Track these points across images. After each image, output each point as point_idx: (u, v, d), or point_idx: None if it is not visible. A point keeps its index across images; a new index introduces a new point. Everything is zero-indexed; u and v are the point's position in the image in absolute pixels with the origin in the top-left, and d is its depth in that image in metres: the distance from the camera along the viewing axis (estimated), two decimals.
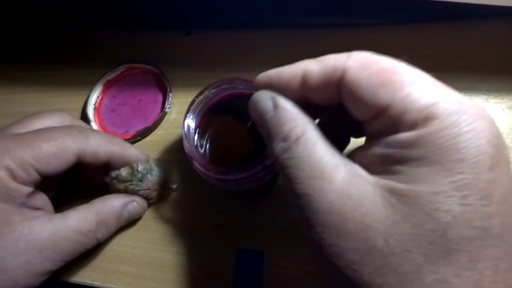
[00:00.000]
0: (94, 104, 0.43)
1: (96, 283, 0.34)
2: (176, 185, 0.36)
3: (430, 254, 0.17)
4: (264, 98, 0.23)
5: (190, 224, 0.35)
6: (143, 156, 0.35)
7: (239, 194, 0.35)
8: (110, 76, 0.44)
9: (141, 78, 0.44)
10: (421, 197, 0.17)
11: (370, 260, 0.17)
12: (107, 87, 0.44)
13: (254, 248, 0.33)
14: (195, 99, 0.34)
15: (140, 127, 0.41)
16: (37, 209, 0.31)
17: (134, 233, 0.35)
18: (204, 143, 0.35)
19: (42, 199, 0.32)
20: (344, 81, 0.20)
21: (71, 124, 0.36)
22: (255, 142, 0.34)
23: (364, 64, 0.20)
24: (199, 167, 0.32)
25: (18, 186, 0.29)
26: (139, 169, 0.34)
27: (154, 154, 0.39)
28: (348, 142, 0.28)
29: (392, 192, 0.18)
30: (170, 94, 0.41)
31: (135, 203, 0.34)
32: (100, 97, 0.43)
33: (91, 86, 0.43)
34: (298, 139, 0.20)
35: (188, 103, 0.34)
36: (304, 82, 0.22)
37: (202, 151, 0.34)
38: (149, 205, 0.36)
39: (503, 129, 0.35)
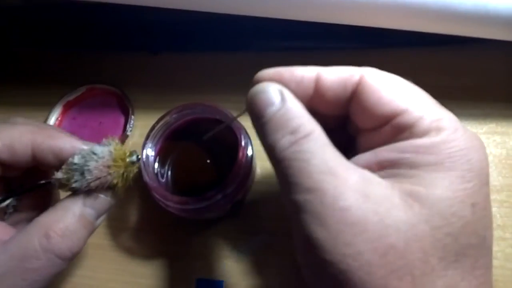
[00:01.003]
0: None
1: None
2: (137, 155, 0.29)
3: (444, 257, 0.17)
4: (271, 90, 0.21)
5: (150, 253, 0.34)
6: (81, 144, 0.28)
7: (200, 222, 0.35)
8: (70, 97, 0.42)
9: (102, 100, 0.43)
10: (439, 201, 0.18)
11: (388, 261, 0.17)
12: (66, 108, 0.42)
13: (215, 278, 0.32)
14: (155, 125, 0.33)
15: None
16: None
17: (91, 263, 0.34)
18: (166, 170, 0.34)
19: None
20: (362, 84, 0.21)
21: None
22: (217, 169, 0.33)
23: (379, 72, 0.21)
24: (157, 196, 0.31)
25: None
26: (75, 160, 0.26)
27: None
28: None
29: (411, 194, 0.18)
30: (132, 117, 0.41)
31: (96, 196, 0.27)
32: (59, 118, 0.42)
33: (50, 108, 0.42)
34: (308, 135, 0.19)
35: (150, 127, 0.33)
36: (319, 81, 0.21)
37: (163, 178, 0.33)
38: (119, 193, 0.28)
39: None
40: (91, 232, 0.27)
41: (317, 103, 0.22)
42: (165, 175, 0.34)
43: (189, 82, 0.43)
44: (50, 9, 0.45)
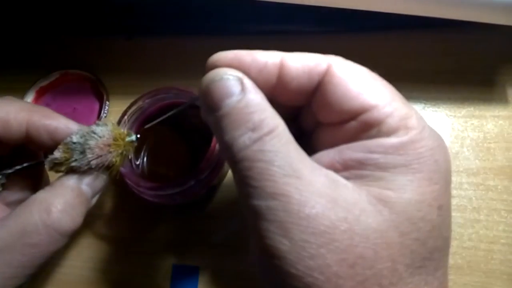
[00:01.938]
0: None
1: None
2: (135, 135, 0.28)
3: (411, 263, 0.17)
4: (229, 78, 0.18)
5: (125, 240, 0.33)
6: (75, 125, 0.28)
7: (174, 209, 0.34)
8: (44, 82, 0.41)
9: (76, 85, 0.42)
10: (408, 205, 0.17)
11: (357, 272, 0.16)
12: (40, 94, 0.41)
13: (190, 264, 0.32)
14: (127, 110, 0.33)
15: None
16: None
17: (65, 251, 0.34)
18: (142, 156, 0.34)
19: None
20: (329, 75, 0.19)
21: None
22: (193, 155, 0.33)
23: (347, 63, 0.19)
24: (130, 183, 0.30)
25: None
26: (74, 140, 0.26)
27: None
28: None
29: (379, 199, 0.17)
30: (107, 103, 0.40)
31: (95, 175, 0.27)
32: None
33: (22, 94, 0.41)
34: (271, 131, 0.17)
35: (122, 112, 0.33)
36: (283, 69, 0.19)
37: (139, 164, 0.33)
38: (114, 172, 0.28)
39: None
40: (87, 210, 0.27)
41: (278, 93, 0.20)
42: (140, 161, 0.33)
43: (165, 67, 0.42)
44: None
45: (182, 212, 0.34)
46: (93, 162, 0.26)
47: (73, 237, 0.33)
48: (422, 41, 0.40)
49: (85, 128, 0.27)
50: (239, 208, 0.34)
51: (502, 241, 0.32)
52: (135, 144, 0.29)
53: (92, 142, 0.26)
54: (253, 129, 0.17)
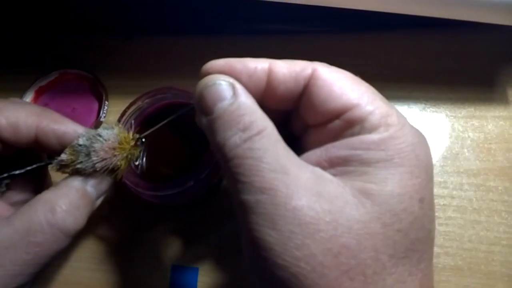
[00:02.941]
0: None
1: None
2: (141, 138, 0.29)
3: (394, 254, 0.17)
4: (221, 83, 0.20)
5: (124, 240, 0.33)
6: (82, 129, 0.28)
7: (174, 209, 0.34)
8: (43, 82, 0.41)
9: (75, 85, 0.42)
10: (390, 197, 0.18)
11: (341, 262, 0.17)
12: (39, 94, 0.41)
13: (189, 265, 0.32)
14: (126, 110, 0.33)
15: None
16: None
17: (63, 251, 0.33)
18: (141, 156, 0.33)
19: None
20: (314, 78, 0.20)
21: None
22: (193, 155, 0.33)
23: (330, 67, 0.21)
24: (128, 183, 0.30)
25: None
26: (80, 142, 0.27)
27: None
28: None
29: (362, 192, 0.18)
30: (106, 102, 0.39)
31: (100, 177, 0.27)
32: None
33: (21, 93, 0.41)
34: (260, 132, 0.19)
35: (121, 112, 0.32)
36: (271, 74, 0.21)
37: (138, 164, 0.33)
38: (119, 175, 0.28)
39: (440, 137, 0.36)
40: (91, 211, 0.27)
41: (267, 98, 0.21)
42: (139, 162, 0.33)
43: (164, 67, 0.42)
44: None
45: (182, 213, 0.34)
46: (98, 165, 0.26)
47: (74, 237, 0.33)
48: (422, 41, 0.40)
49: (91, 131, 0.27)
50: None
51: (503, 242, 0.32)
52: (141, 148, 0.29)
53: (97, 145, 0.26)
54: (244, 130, 0.19)
